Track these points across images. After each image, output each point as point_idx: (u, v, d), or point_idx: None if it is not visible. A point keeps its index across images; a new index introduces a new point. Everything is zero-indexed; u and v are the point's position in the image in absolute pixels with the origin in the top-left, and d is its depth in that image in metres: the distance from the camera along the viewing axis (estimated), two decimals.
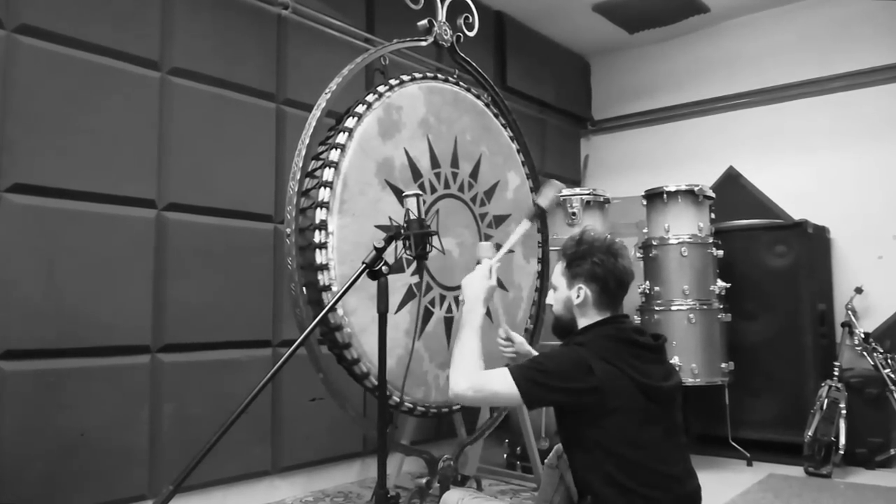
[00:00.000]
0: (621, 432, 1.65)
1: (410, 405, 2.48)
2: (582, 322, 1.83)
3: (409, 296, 2.49)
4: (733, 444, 3.91)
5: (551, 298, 1.93)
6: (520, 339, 2.17)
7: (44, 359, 2.51)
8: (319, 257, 2.31)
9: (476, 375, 1.74)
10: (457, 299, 2.65)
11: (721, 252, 3.97)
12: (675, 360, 3.72)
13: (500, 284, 2.83)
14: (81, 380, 2.58)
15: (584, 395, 1.64)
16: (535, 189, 3.13)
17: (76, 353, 2.59)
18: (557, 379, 1.66)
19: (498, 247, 2.13)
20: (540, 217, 2.23)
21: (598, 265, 1.79)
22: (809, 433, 3.66)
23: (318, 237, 2.30)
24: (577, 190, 4.15)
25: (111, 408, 2.66)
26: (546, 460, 2.05)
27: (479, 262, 2.02)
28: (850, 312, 4.11)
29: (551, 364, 1.70)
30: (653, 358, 1.76)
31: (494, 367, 1.77)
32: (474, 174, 2.81)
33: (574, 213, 3.99)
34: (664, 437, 1.70)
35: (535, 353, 2.09)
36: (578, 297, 1.81)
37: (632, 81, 5.39)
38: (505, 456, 3.80)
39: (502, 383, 1.68)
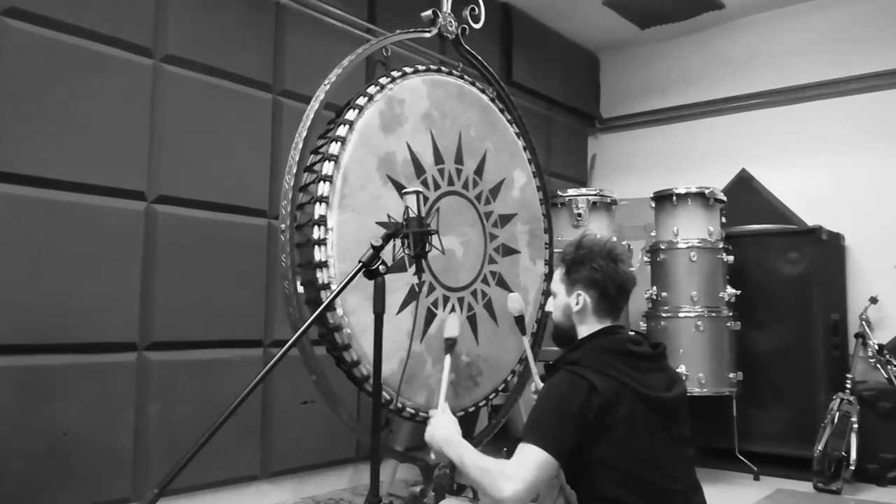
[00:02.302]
0: (623, 446, 1.60)
1: (412, 411, 2.42)
2: (581, 330, 1.79)
3: (411, 296, 2.42)
4: (740, 457, 3.84)
5: (550, 305, 1.90)
6: None
7: (25, 354, 2.46)
8: (318, 254, 2.24)
9: (507, 469, 1.61)
10: (461, 301, 2.59)
11: (731, 258, 3.90)
12: (681, 368, 3.68)
13: (505, 286, 2.75)
14: (65, 377, 2.54)
15: (592, 415, 1.59)
16: (542, 188, 3.05)
17: (60, 350, 2.54)
18: (566, 416, 1.58)
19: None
20: (452, 348, 2.30)
21: (597, 271, 1.76)
22: (819, 447, 3.59)
23: (316, 233, 2.24)
24: (584, 190, 4.10)
25: (95, 407, 2.61)
26: None
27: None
28: (864, 323, 4.06)
29: (550, 406, 1.64)
30: (652, 367, 1.72)
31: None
32: (479, 171, 2.74)
33: (580, 215, 3.93)
34: (668, 450, 1.65)
35: None
36: (577, 303, 1.78)
37: (642, 79, 5.32)
38: None
39: (531, 454, 1.58)
